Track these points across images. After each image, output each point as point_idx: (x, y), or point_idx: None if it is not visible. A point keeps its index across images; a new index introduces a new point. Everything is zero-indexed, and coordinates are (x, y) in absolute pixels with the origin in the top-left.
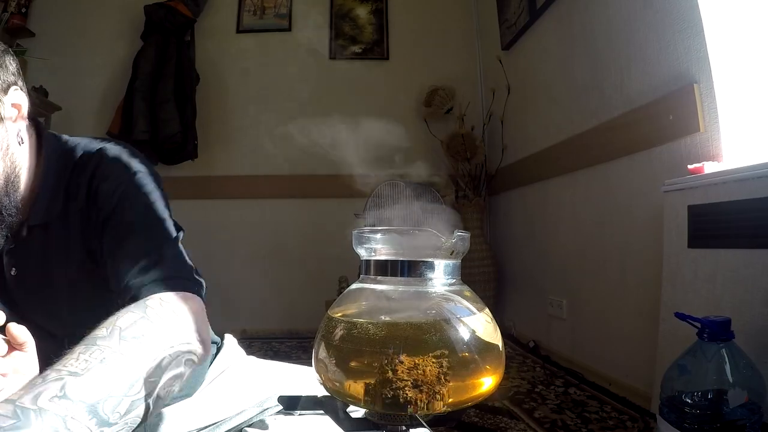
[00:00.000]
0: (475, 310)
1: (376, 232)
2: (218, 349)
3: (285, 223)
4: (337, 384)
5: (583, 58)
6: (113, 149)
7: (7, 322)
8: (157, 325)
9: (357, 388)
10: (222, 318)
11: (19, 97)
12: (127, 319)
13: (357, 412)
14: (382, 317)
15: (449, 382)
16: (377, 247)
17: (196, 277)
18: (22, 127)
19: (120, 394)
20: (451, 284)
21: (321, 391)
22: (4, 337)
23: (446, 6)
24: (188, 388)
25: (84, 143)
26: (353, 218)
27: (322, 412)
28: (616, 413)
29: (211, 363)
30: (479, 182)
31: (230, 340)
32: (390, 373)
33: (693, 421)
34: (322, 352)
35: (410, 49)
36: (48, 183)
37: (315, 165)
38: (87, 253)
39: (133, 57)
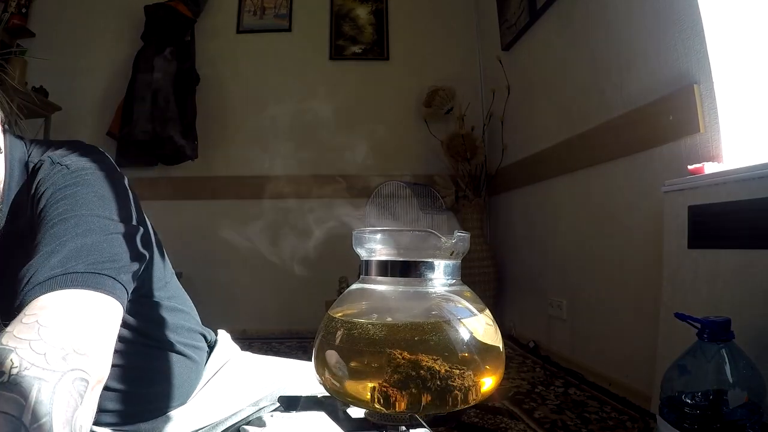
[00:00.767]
0: (475, 310)
1: (376, 232)
2: (212, 347)
3: (285, 223)
4: (337, 384)
5: (583, 59)
6: (61, 150)
7: None
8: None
9: (357, 388)
10: (222, 318)
11: None
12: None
13: (357, 411)
14: (382, 318)
15: (450, 382)
16: (377, 248)
17: (124, 275)
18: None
19: None
20: (451, 285)
21: (319, 388)
22: None
23: (446, 6)
24: (182, 395)
25: (42, 149)
26: (353, 218)
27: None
28: (616, 413)
29: (206, 361)
30: (479, 182)
31: (224, 336)
32: (391, 374)
33: (693, 422)
34: (322, 353)
35: (410, 49)
36: (8, 195)
37: (315, 165)
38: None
39: (133, 57)
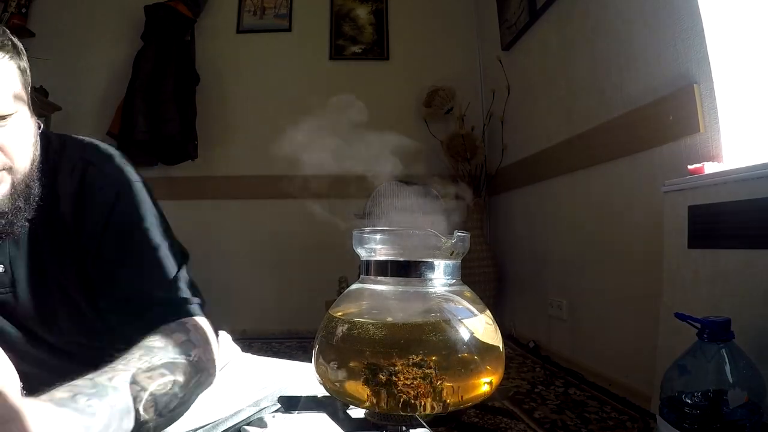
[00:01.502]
0: (475, 310)
1: (376, 232)
2: None
3: (285, 224)
4: (337, 384)
5: (583, 59)
6: (104, 151)
7: None
8: (198, 347)
9: (357, 388)
10: (222, 318)
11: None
12: (176, 338)
13: (357, 412)
14: (382, 318)
15: (449, 383)
16: (377, 248)
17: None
18: None
19: (172, 393)
20: (451, 285)
21: (320, 389)
22: None
23: (446, 6)
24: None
25: (71, 142)
26: (353, 218)
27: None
28: (616, 413)
29: None
30: (479, 182)
31: (225, 336)
32: (391, 374)
33: (693, 422)
34: (322, 353)
35: (410, 49)
36: (42, 178)
37: (315, 165)
38: (81, 259)
39: (133, 57)
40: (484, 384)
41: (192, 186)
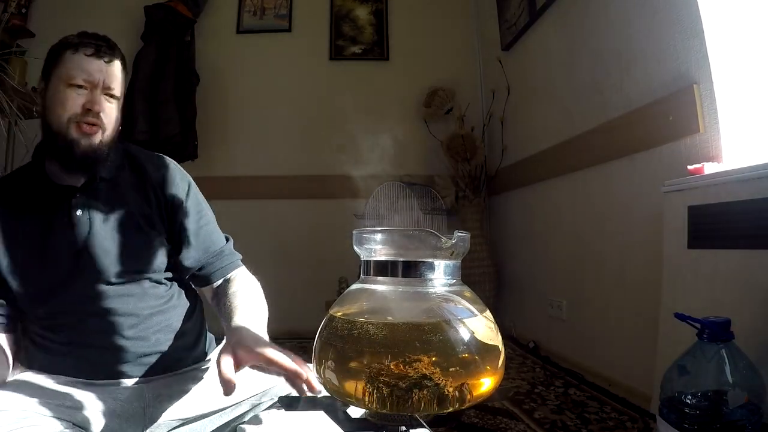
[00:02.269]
0: (475, 310)
1: (376, 232)
2: (209, 342)
3: (285, 224)
4: (337, 384)
5: (583, 59)
6: (169, 159)
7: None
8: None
9: (357, 388)
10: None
11: None
12: (255, 282)
13: (357, 411)
14: (383, 318)
15: (449, 383)
16: (377, 248)
17: None
18: None
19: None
20: (451, 285)
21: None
22: None
23: (446, 6)
24: (198, 355)
25: (142, 149)
26: (353, 219)
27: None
28: (616, 414)
29: (207, 354)
30: (479, 183)
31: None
32: (391, 374)
33: (693, 422)
34: (323, 353)
35: (410, 49)
36: (116, 155)
37: (315, 165)
38: (142, 215)
39: (133, 57)
40: (484, 384)
41: None
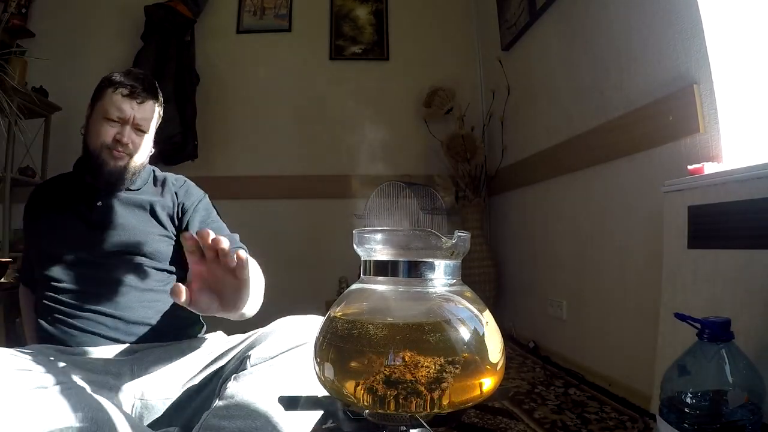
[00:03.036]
0: (475, 310)
1: (376, 232)
2: (203, 330)
3: (285, 224)
4: (338, 384)
5: (583, 59)
6: (184, 182)
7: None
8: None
9: (357, 388)
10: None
11: None
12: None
13: (357, 411)
14: (383, 318)
15: (449, 383)
16: (377, 248)
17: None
18: None
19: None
20: (451, 285)
21: (320, 389)
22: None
23: (446, 6)
24: (194, 332)
25: (168, 173)
26: (353, 218)
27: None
28: (616, 414)
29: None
30: (479, 183)
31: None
32: (391, 374)
33: (693, 422)
34: (322, 353)
35: (410, 49)
36: (144, 173)
37: (315, 165)
38: (154, 212)
39: (133, 57)
40: (485, 384)
41: None
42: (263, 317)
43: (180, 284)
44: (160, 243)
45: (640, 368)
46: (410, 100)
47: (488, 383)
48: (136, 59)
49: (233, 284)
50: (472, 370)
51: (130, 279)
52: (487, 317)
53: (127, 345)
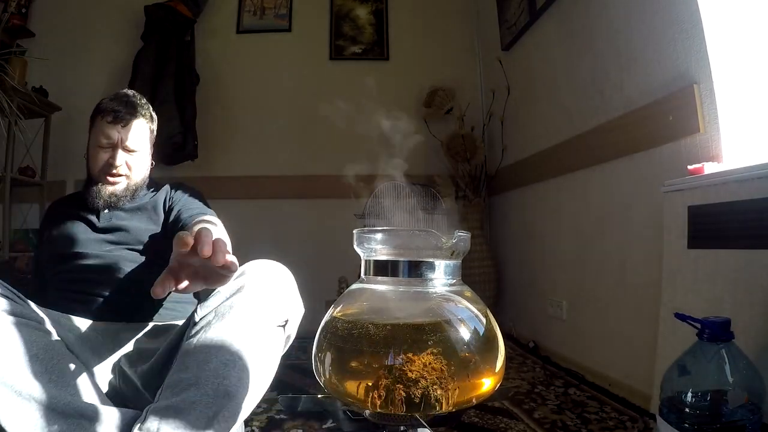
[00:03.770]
0: (475, 310)
1: (376, 232)
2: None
3: (285, 224)
4: (337, 384)
5: (583, 59)
6: (183, 182)
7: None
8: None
9: (357, 388)
10: None
11: None
12: (215, 217)
13: (357, 411)
14: (383, 318)
15: (449, 383)
16: (378, 248)
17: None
18: None
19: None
20: (451, 284)
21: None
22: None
23: (446, 6)
24: (186, 312)
25: (166, 182)
26: (353, 219)
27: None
28: (616, 414)
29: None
30: (479, 183)
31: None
32: (391, 374)
33: (693, 422)
34: (323, 353)
35: (410, 49)
36: (146, 189)
37: (315, 165)
38: (150, 217)
39: (133, 57)
40: (484, 384)
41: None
42: None
43: (158, 287)
44: (158, 239)
45: (640, 368)
46: (410, 100)
47: (488, 383)
48: (136, 59)
49: (220, 275)
50: (472, 370)
51: (129, 268)
52: (488, 317)
53: (122, 323)
